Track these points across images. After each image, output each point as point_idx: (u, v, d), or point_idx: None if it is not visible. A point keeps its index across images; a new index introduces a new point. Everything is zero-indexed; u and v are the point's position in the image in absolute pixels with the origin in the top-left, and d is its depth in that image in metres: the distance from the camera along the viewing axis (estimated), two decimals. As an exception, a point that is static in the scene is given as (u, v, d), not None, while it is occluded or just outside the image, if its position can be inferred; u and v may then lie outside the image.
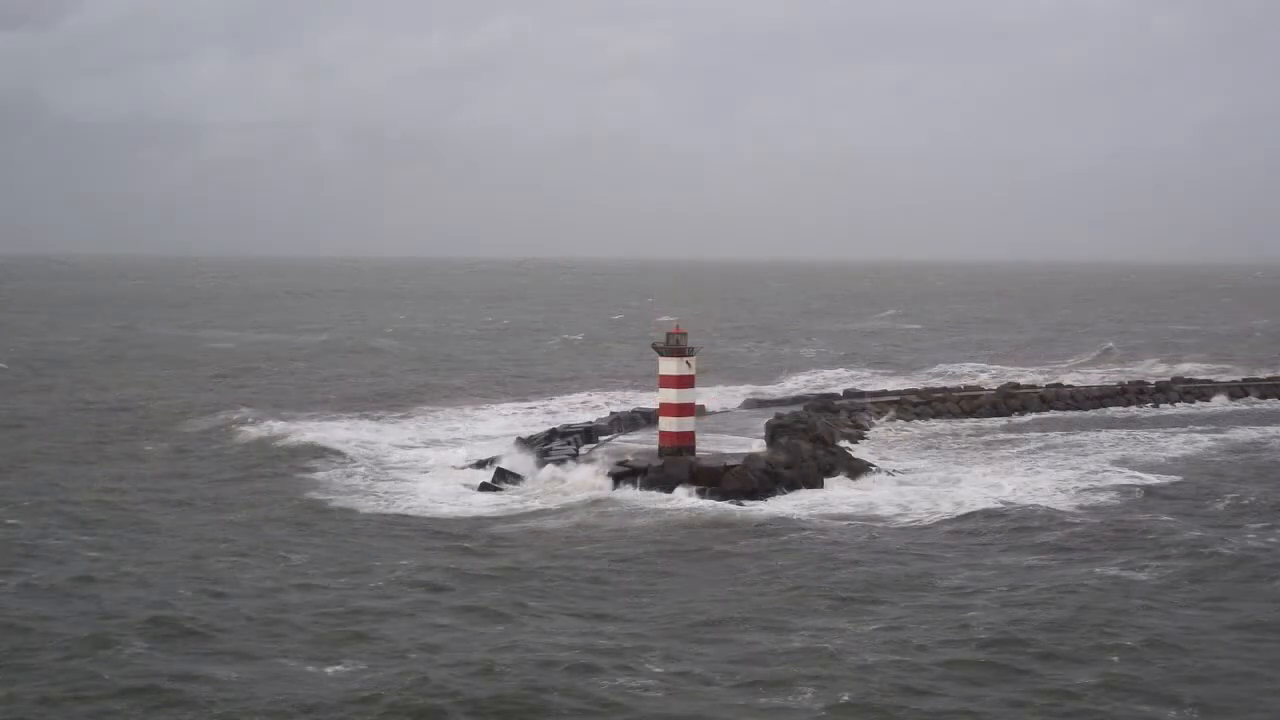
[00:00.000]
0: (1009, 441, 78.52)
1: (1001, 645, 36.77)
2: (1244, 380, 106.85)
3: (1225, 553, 47.32)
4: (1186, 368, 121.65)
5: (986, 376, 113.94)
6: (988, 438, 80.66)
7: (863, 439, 79.07)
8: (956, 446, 77.16)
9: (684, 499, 58.16)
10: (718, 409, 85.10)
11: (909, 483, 63.00)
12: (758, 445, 68.42)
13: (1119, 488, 61.10)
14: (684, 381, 64.58)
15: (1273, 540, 49.71)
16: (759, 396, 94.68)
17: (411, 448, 73.96)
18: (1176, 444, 76.63)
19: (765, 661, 35.87)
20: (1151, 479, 63.58)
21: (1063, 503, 57.48)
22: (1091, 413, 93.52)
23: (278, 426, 78.68)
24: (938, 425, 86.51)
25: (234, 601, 41.15)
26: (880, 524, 53.87)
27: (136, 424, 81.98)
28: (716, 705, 32.77)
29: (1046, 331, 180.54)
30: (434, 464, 68.18)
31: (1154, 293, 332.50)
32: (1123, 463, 68.91)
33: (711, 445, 66.97)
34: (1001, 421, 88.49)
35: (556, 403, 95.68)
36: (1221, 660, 35.96)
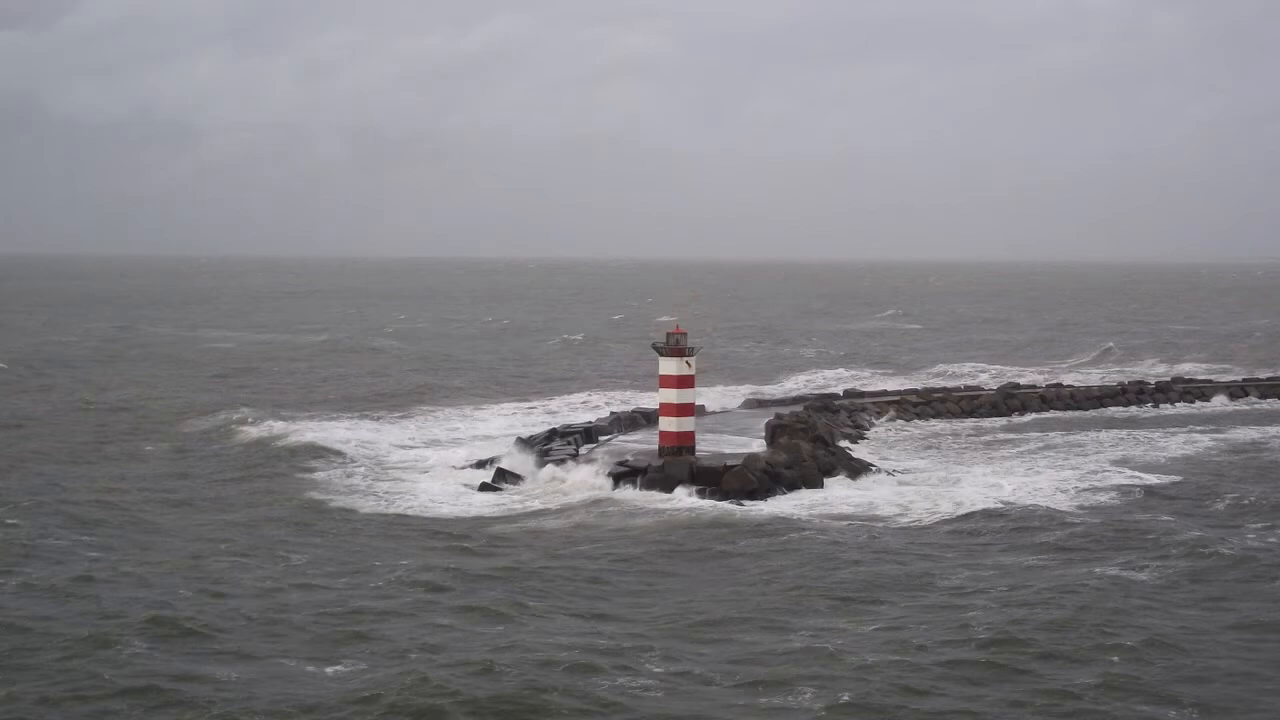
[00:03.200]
0: (1009, 441, 78.52)
1: (1001, 645, 36.76)
2: (1244, 380, 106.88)
3: (1225, 553, 47.32)
4: (1186, 368, 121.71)
5: (986, 376, 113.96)
6: (988, 438, 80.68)
7: (863, 439, 79.09)
8: (956, 446, 77.17)
9: (684, 499, 58.15)
10: (718, 409, 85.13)
11: (909, 483, 62.99)
12: (758, 445, 68.43)
13: (1119, 488, 61.11)
14: (684, 381, 64.59)
15: (1273, 540, 49.71)
16: (759, 396, 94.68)
17: (411, 448, 73.96)
18: (1176, 444, 76.62)
19: (765, 661, 35.88)
20: (1151, 479, 63.58)
21: (1063, 503, 57.47)
22: (1091, 413, 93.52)
23: (278, 426, 78.67)
24: (938, 425, 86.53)
25: (234, 601, 41.15)
26: (880, 524, 53.87)
27: (136, 424, 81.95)
28: (716, 705, 32.78)
29: (1046, 331, 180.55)
30: (434, 464, 68.16)
31: (1154, 293, 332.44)
32: (1123, 463, 68.91)
33: (711, 445, 66.99)
34: (1001, 421, 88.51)
35: (556, 403, 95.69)
36: (1221, 660, 35.96)
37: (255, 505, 57.51)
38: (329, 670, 34.99)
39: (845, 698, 32.93)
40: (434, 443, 76.00)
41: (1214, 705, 32.74)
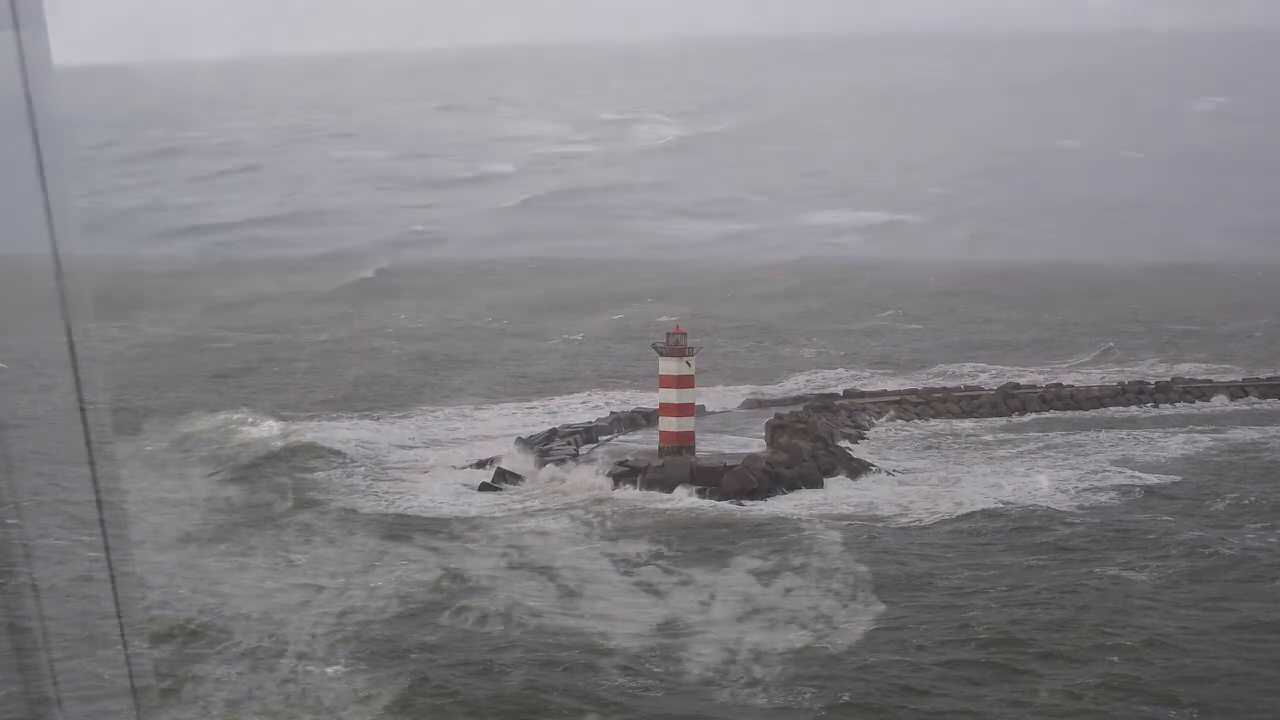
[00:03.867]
0: (1009, 441, 78.45)
1: (1001, 645, 36.79)
2: (1244, 380, 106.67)
3: (1225, 553, 47.33)
4: (1186, 368, 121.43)
5: (986, 376, 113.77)
6: (988, 438, 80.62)
7: (863, 439, 79.01)
8: (956, 446, 77.10)
9: (684, 499, 58.15)
10: (718, 409, 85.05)
11: (909, 483, 62.97)
12: (758, 445, 68.41)
13: (1119, 488, 61.08)
14: (684, 381, 64.59)
15: (1273, 540, 49.71)
16: (759, 396, 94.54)
17: (411, 448, 73.89)
18: (1176, 444, 76.51)
19: (765, 661, 35.89)
20: (1151, 479, 63.54)
21: (1063, 503, 57.47)
22: (1091, 413, 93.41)
23: (278, 426, 78.60)
24: (938, 425, 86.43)
25: (234, 601, 41.16)
26: (880, 524, 53.86)
27: (136, 424, 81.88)
28: (716, 705, 32.79)
29: (1046, 331, 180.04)
30: (434, 464, 68.12)
31: (1154, 293, 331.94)
32: (1123, 463, 68.83)
33: (711, 445, 66.97)
34: (1001, 421, 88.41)
35: (556, 403, 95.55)
36: (1221, 660, 35.97)
37: (256, 505, 57.51)
38: (329, 670, 34.99)
39: (845, 698, 32.95)
40: (434, 443, 75.90)
41: (1214, 705, 32.76)
